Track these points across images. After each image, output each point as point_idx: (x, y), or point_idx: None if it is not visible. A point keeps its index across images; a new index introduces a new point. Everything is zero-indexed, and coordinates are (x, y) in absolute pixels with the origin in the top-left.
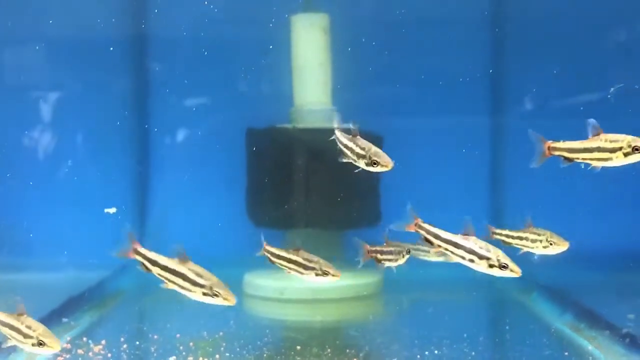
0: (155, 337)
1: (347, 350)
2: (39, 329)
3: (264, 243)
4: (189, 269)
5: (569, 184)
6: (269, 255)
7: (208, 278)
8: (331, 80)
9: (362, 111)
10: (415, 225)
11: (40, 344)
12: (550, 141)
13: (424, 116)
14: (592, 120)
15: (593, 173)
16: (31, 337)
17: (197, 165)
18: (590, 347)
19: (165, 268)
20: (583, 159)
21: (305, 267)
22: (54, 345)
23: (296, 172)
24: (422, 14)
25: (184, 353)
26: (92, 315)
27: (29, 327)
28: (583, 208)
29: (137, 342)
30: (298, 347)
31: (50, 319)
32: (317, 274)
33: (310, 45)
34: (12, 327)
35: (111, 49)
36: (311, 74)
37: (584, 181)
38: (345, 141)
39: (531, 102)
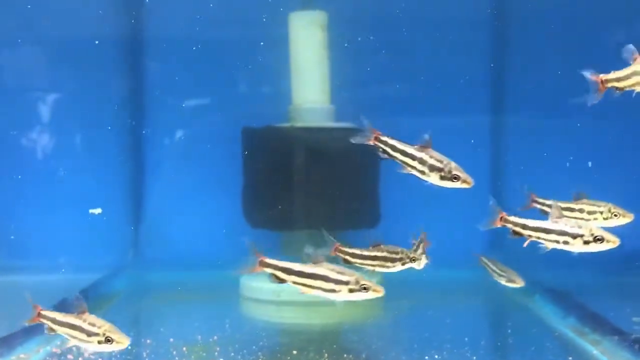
0: (148, 341)
1: (345, 355)
2: (105, 326)
3: (336, 243)
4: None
5: (569, 185)
6: (342, 255)
7: None
8: (329, 79)
9: (360, 110)
10: (502, 220)
11: (108, 340)
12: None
13: (423, 115)
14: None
15: (596, 173)
16: (97, 335)
17: (192, 165)
18: (594, 352)
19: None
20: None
21: (393, 260)
22: (123, 340)
23: (294, 172)
24: (421, 12)
25: (176, 358)
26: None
27: (92, 325)
28: None
29: (129, 347)
30: (294, 352)
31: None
32: (404, 263)
33: (308, 43)
34: (73, 327)
35: (105, 49)
36: (309, 72)
37: (587, 182)
38: (412, 151)
39: (532, 102)
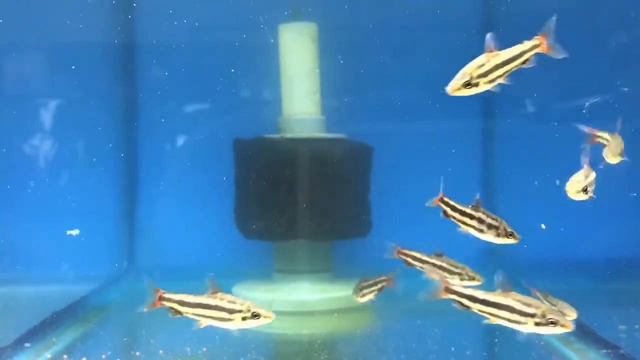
0: (138, 353)
1: None
2: (246, 302)
3: (396, 246)
4: None
5: (560, 191)
6: (404, 257)
7: None
8: (320, 90)
9: (351, 120)
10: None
11: (255, 315)
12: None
13: (414, 124)
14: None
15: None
16: (240, 311)
17: (185, 175)
18: None
19: None
20: None
21: (451, 272)
22: (269, 315)
23: (285, 183)
24: (411, 20)
25: None
26: (74, 331)
27: (232, 302)
28: (574, 216)
29: (118, 359)
30: None
31: (31, 336)
32: (462, 279)
33: (298, 54)
34: (208, 307)
35: (98, 56)
36: (300, 84)
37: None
38: (469, 211)
39: (523, 107)
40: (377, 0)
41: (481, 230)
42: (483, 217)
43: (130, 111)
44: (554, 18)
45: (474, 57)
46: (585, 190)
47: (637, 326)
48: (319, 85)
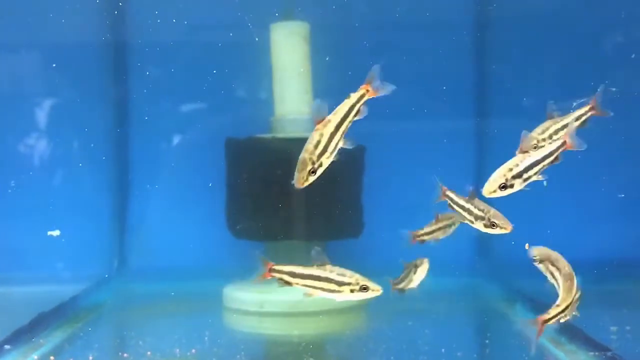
0: (126, 355)
1: None
2: (355, 275)
3: (443, 187)
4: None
5: (552, 193)
6: (449, 200)
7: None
8: (312, 89)
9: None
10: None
11: (364, 288)
12: None
13: (407, 123)
14: None
15: (576, 183)
16: (349, 284)
17: (177, 175)
18: None
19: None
20: None
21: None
22: (377, 288)
23: (276, 183)
24: (404, 19)
25: None
26: (63, 331)
27: (342, 275)
28: (566, 217)
29: None
30: None
31: (17, 337)
32: (485, 225)
33: (290, 54)
34: (318, 278)
35: (90, 56)
36: (291, 83)
37: (568, 191)
38: (462, 202)
39: (516, 106)
40: (369, 0)
41: (471, 221)
42: (471, 208)
43: (122, 111)
44: (377, 66)
45: (467, 56)
46: (504, 186)
47: (628, 327)
48: (310, 84)
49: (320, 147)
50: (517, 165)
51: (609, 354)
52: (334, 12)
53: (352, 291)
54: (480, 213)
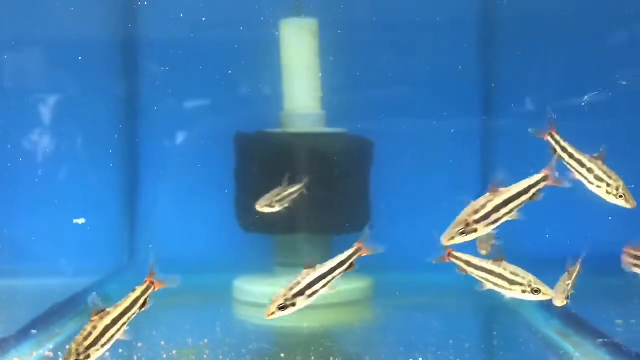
0: (140, 344)
1: (331, 358)
2: (529, 277)
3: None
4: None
5: (557, 188)
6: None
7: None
8: (321, 85)
9: (352, 115)
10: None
11: (535, 291)
12: None
13: (414, 119)
14: None
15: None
16: (521, 284)
17: (187, 170)
18: (575, 354)
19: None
20: None
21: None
22: (549, 292)
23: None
24: (411, 16)
25: None
26: (77, 322)
27: (515, 274)
28: (572, 211)
29: (120, 350)
30: (282, 355)
31: (34, 327)
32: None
33: (299, 50)
34: (493, 273)
35: (100, 51)
36: (301, 79)
37: (573, 186)
38: (581, 158)
39: (522, 104)
40: None
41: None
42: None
43: (132, 106)
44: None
45: (473, 53)
46: (462, 232)
47: (633, 320)
48: (319, 80)
49: (90, 339)
50: (484, 206)
51: (615, 341)
52: (343, 9)
53: (523, 292)
54: (606, 178)
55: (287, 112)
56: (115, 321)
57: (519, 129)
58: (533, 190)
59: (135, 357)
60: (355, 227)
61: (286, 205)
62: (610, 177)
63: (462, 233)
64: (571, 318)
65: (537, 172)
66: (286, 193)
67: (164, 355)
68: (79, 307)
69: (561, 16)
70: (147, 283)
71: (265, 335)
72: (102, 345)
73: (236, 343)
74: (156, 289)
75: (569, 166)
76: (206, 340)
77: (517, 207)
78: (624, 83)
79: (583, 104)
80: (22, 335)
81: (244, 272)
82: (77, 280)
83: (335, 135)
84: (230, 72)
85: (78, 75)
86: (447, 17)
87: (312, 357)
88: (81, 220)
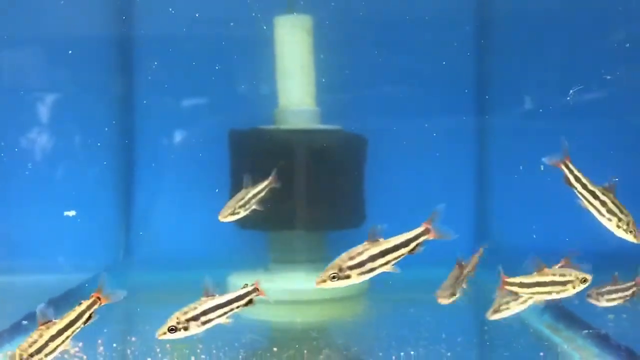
0: (133, 339)
1: (324, 351)
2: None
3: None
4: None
5: (553, 186)
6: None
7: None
8: (315, 82)
9: (346, 112)
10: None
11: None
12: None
13: (408, 117)
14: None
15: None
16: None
17: (181, 166)
18: (566, 348)
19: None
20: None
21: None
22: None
23: (280, 174)
24: (406, 14)
25: (160, 355)
26: None
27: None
28: (566, 209)
29: (114, 345)
30: (274, 349)
31: (28, 322)
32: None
33: (293, 47)
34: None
35: (96, 49)
36: (295, 75)
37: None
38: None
39: (517, 102)
40: None
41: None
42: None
43: (128, 103)
44: None
45: (467, 52)
46: (334, 277)
47: (624, 315)
48: (314, 77)
49: (35, 347)
50: (360, 254)
51: (601, 332)
52: (338, 6)
53: (574, 287)
54: (617, 212)
55: (281, 108)
56: (60, 332)
57: (514, 128)
58: (413, 244)
59: (129, 351)
60: (349, 223)
61: (254, 207)
62: (622, 212)
63: (333, 277)
64: (562, 313)
65: (530, 168)
66: (250, 195)
67: (158, 349)
68: (74, 302)
69: (556, 15)
70: (94, 298)
71: (259, 330)
72: (46, 355)
73: (229, 337)
74: (102, 304)
75: (580, 196)
76: (200, 335)
77: (395, 259)
78: (608, 77)
79: (568, 98)
80: (16, 329)
81: (238, 268)
82: (72, 276)
83: (330, 132)
84: (225, 69)
85: (73, 73)
86: (442, 15)
87: (305, 351)
88: (72, 213)
